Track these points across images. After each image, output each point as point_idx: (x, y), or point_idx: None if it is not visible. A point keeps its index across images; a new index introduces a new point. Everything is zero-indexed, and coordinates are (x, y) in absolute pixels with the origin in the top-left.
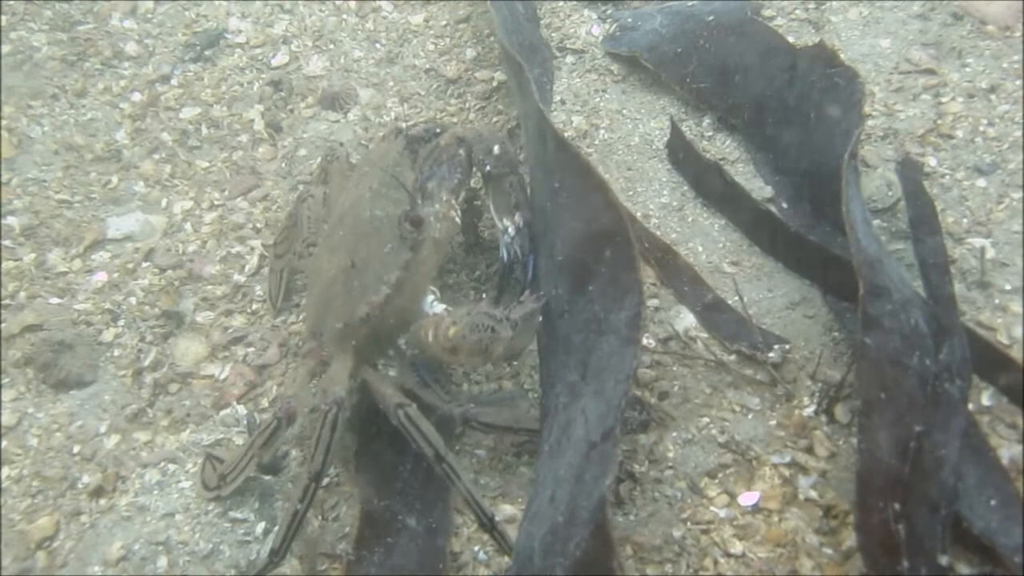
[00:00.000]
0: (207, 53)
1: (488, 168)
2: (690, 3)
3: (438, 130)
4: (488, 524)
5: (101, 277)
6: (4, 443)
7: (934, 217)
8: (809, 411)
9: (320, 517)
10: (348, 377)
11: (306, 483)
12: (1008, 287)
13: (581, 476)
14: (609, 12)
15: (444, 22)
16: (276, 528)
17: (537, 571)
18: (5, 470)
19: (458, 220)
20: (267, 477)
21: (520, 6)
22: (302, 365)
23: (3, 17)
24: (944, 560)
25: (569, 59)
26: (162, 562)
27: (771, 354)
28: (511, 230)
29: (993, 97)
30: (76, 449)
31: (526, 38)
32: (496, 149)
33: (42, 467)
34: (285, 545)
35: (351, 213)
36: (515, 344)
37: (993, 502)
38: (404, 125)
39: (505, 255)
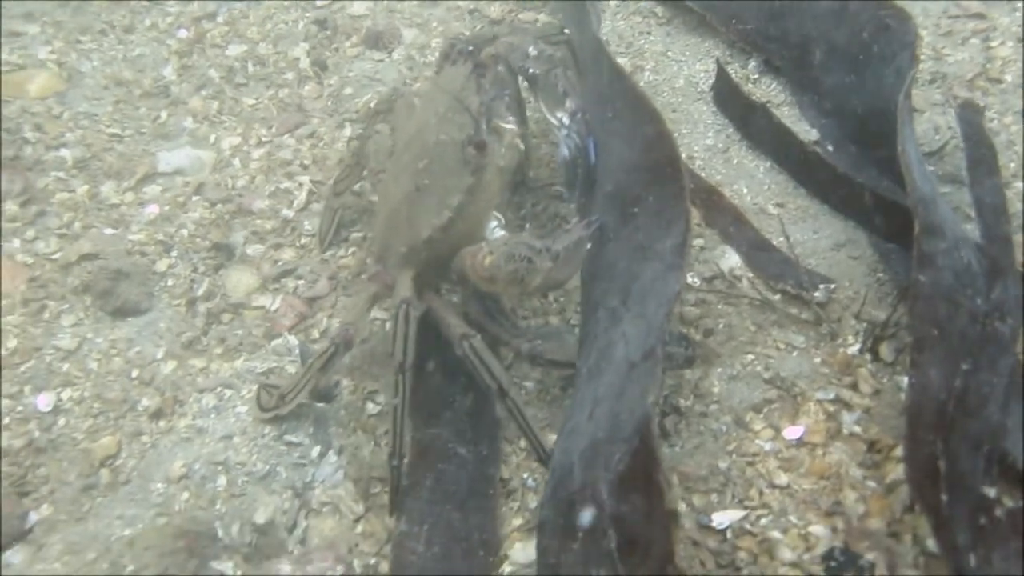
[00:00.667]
0: None
1: (530, 70)
2: None
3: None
4: (545, 458)
5: (153, 209)
6: (65, 366)
7: (994, 159)
8: (853, 349)
9: (372, 443)
10: (413, 290)
11: (395, 378)
12: None
13: (622, 393)
14: None
15: None
16: (388, 433)
17: (577, 485)
18: (67, 392)
19: (522, 147)
20: (320, 404)
21: None
22: (363, 290)
23: None
24: (991, 492)
25: (613, 1)
26: (221, 481)
27: (816, 293)
28: (565, 119)
29: None
30: (135, 373)
31: None
32: (531, 50)
33: (103, 390)
34: (399, 442)
35: (417, 139)
36: (556, 275)
37: None
38: (467, 47)
39: (565, 150)
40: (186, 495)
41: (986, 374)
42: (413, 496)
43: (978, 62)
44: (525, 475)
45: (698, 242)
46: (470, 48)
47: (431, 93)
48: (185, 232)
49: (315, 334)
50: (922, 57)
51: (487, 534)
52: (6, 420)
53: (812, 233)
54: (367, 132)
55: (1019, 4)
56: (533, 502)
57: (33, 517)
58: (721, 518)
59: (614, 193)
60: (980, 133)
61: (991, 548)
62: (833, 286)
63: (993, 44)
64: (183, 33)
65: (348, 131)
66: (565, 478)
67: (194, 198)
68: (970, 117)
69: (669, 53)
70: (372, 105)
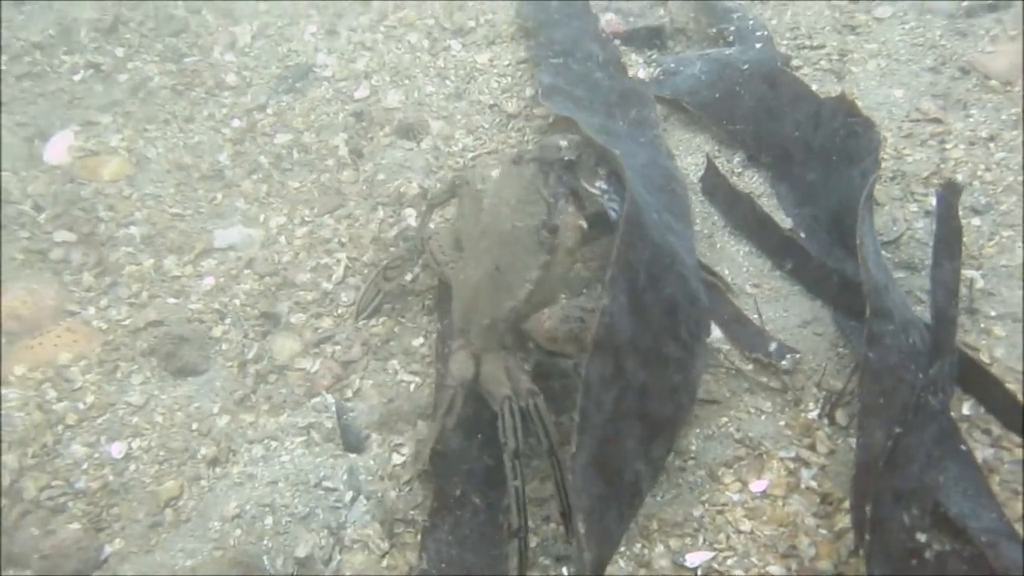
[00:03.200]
0: (298, 85)
1: (566, 158)
2: (727, 52)
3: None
4: (568, 513)
5: (210, 281)
6: (135, 419)
7: (958, 242)
8: (813, 414)
9: (397, 489)
10: (504, 373)
11: (510, 464)
12: (993, 313)
13: None
14: (654, 57)
15: (507, 62)
16: (509, 509)
17: None
18: (137, 441)
19: (585, 228)
20: (353, 455)
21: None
22: (461, 350)
23: (119, 49)
24: (923, 538)
25: None
26: (268, 520)
27: (783, 363)
28: (603, 185)
29: (992, 145)
30: (194, 426)
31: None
32: (563, 143)
33: (167, 440)
34: (523, 518)
35: (493, 227)
36: None
37: (967, 493)
38: (526, 153)
39: (612, 212)
40: (238, 532)
41: (915, 437)
42: (433, 538)
43: (934, 162)
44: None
45: None
46: (534, 156)
47: (500, 190)
48: (237, 302)
49: (349, 393)
50: (885, 157)
51: (495, 571)
52: (84, 466)
53: (783, 311)
54: (423, 223)
55: (973, 111)
56: (532, 541)
57: (107, 550)
58: (693, 558)
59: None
60: (954, 214)
61: None
62: (799, 356)
63: (948, 146)
64: (236, 123)
65: (380, 213)
66: None
67: (245, 271)
68: (948, 197)
69: None
70: (428, 197)
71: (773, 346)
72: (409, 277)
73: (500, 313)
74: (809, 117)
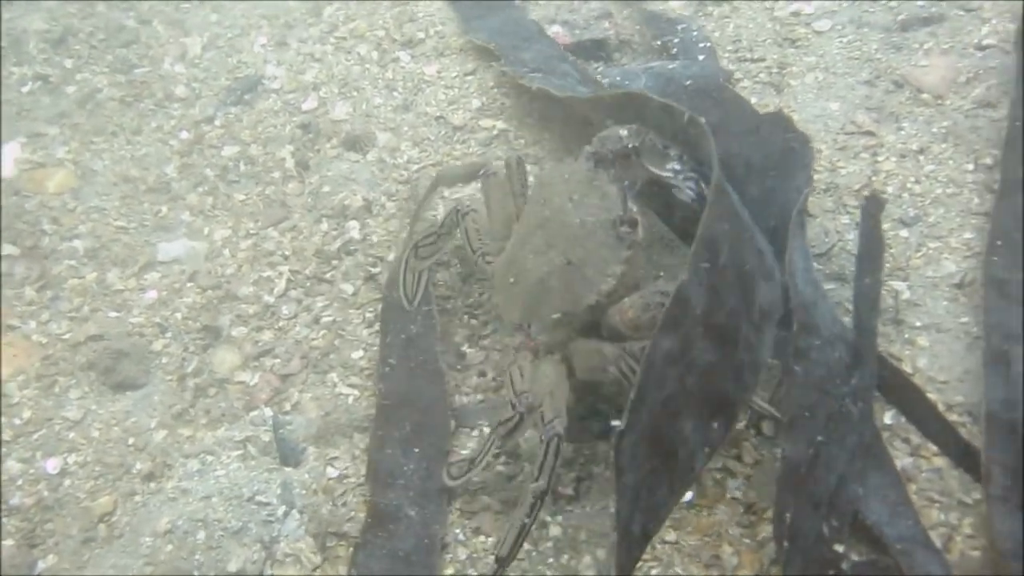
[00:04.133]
0: (246, 97)
1: (631, 145)
2: (671, 66)
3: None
4: (505, 559)
5: (152, 295)
6: (72, 434)
7: (880, 257)
8: (741, 426)
9: (331, 503)
10: (567, 391)
11: (532, 501)
12: (918, 324)
13: None
14: (600, 69)
15: (454, 73)
16: (503, 538)
17: None
18: (72, 457)
19: (646, 224)
20: (288, 468)
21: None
22: (522, 357)
23: (68, 61)
24: (840, 548)
25: (562, 110)
26: (201, 535)
27: None
28: (675, 166)
29: (921, 158)
30: (131, 441)
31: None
32: (622, 131)
33: (103, 455)
34: (513, 553)
35: (555, 220)
36: None
37: (885, 501)
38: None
39: (688, 193)
40: (170, 547)
41: (836, 448)
42: (366, 552)
43: (866, 175)
44: (457, 530)
45: None
46: (594, 150)
47: (551, 185)
48: (179, 315)
49: (287, 406)
50: (820, 170)
51: None
52: (19, 482)
53: None
54: (427, 199)
55: (905, 124)
56: (463, 554)
57: (40, 566)
58: None
59: None
60: (877, 227)
61: None
62: None
63: (880, 159)
64: (184, 135)
65: (324, 225)
66: None
67: (188, 284)
68: (872, 210)
69: None
70: (437, 174)
71: None
72: (436, 256)
73: (578, 307)
74: (748, 132)
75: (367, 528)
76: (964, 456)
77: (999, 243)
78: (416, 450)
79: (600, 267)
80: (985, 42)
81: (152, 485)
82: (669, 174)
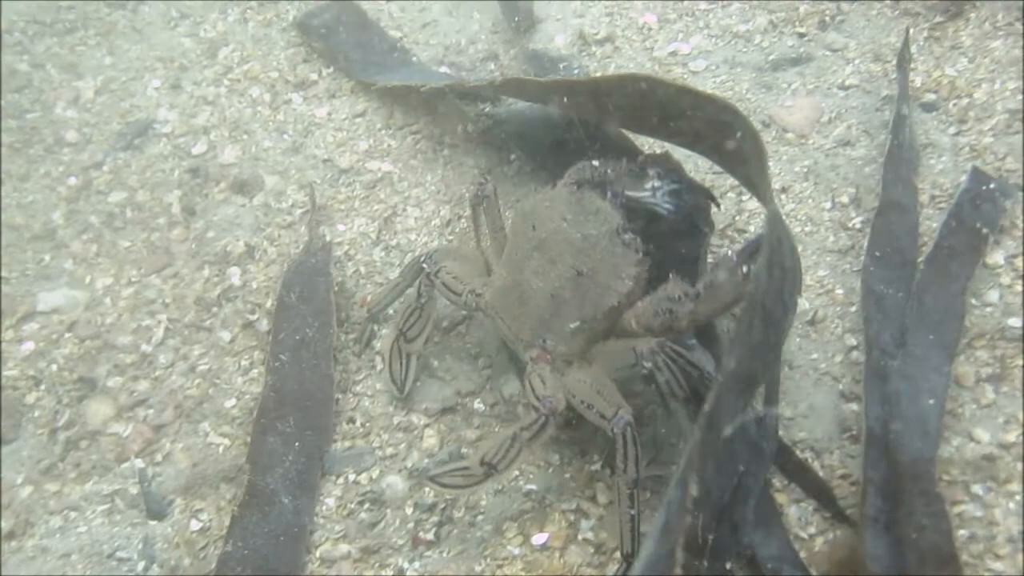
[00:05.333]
0: (136, 141)
1: (607, 171)
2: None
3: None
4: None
5: (29, 346)
6: None
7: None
8: (596, 466)
9: (192, 557)
10: (612, 385)
11: (628, 492)
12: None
13: None
14: (487, 110)
15: (344, 115)
16: (619, 538)
17: None
18: None
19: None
20: (152, 522)
21: None
22: (540, 368)
23: None
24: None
25: (446, 152)
26: None
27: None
28: (652, 184)
29: (783, 197)
30: None
31: None
32: (594, 161)
33: None
34: (635, 546)
35: (553, 240)
36: (703, 311)
37: (760, 520)
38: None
39: (667, 208)
40: None
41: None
42: (241, 526)
43: (731, 213)
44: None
45: (486, 372)
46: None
47: (537, 212)
48: (55, 367)
49: (159, 457)
50: None
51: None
52: None
53: None
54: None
55: (769, 163)
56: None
57: None
58: None
59: None
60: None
61: None
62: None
63: (745, 198)
64: (72, 181)
65: (206, 272)
66: None
67: (66, 335)
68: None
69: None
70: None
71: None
72: (426, 332)
73: (598, 313)
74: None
75: (243, 504)
76: (818, 491)
77: (877, 254)
78: (297, 444)
79: (614, 272)
80: (848, 82)
81: (13, 544)
82: (647, 193)
